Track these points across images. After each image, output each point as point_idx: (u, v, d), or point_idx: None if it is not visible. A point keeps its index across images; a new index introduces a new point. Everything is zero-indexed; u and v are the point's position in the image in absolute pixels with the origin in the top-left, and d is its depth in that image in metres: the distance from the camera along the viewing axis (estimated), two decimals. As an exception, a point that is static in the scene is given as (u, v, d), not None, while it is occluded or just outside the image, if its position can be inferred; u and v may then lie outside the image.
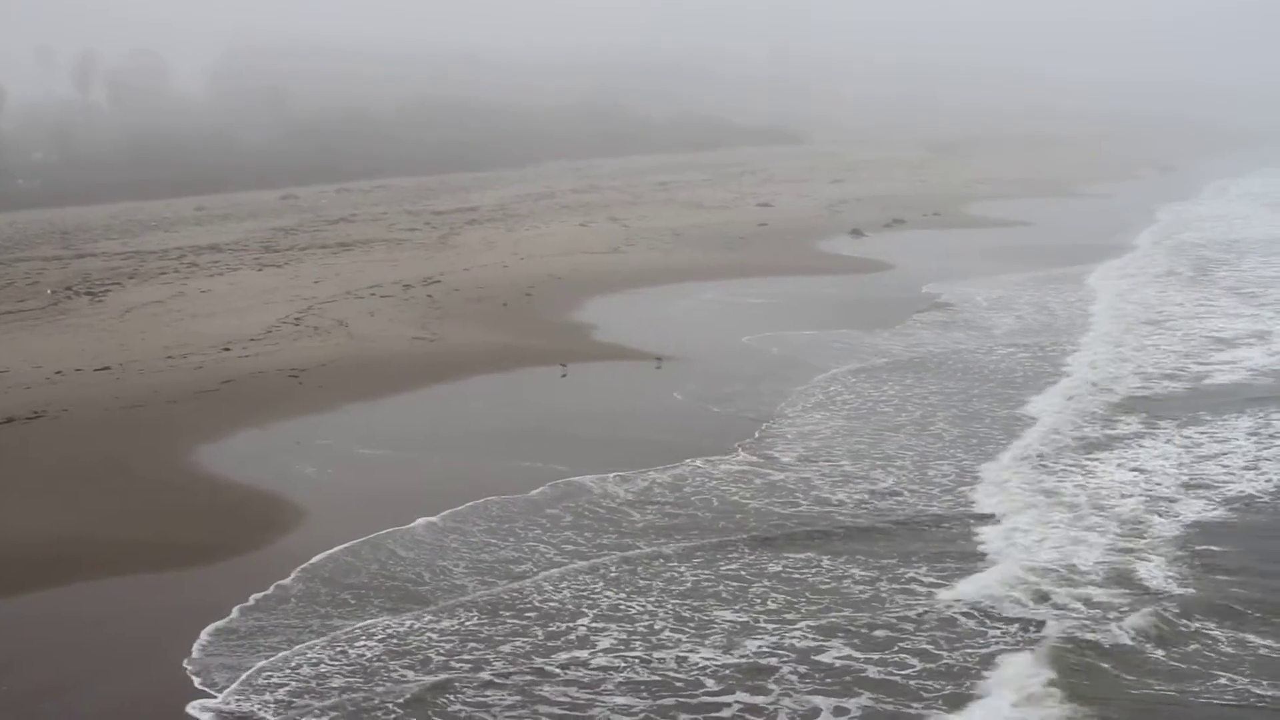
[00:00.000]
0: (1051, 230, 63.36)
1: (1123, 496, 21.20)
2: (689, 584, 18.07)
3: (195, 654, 16.16)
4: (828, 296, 43.39)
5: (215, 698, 15.04)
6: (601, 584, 18.12)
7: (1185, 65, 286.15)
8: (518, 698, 14.94)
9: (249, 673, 15.57)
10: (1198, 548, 18.97)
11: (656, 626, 16.68)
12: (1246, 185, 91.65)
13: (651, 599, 17.53)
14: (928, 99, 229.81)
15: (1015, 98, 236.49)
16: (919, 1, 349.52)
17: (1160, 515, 20.19)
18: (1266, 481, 21.81)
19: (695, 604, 17.36)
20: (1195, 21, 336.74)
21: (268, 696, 15.03)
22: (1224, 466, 22.68)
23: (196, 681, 15.43)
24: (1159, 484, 21.79)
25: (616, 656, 15.87)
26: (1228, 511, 20.66)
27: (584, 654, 15.98)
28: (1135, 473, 22.54)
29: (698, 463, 23.75)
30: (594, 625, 16.77)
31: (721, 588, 17.92)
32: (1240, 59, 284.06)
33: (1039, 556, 18.60)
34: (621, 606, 17.32)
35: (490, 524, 20.63)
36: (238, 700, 14.97)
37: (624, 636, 16.41)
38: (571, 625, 16.78)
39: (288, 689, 15.20)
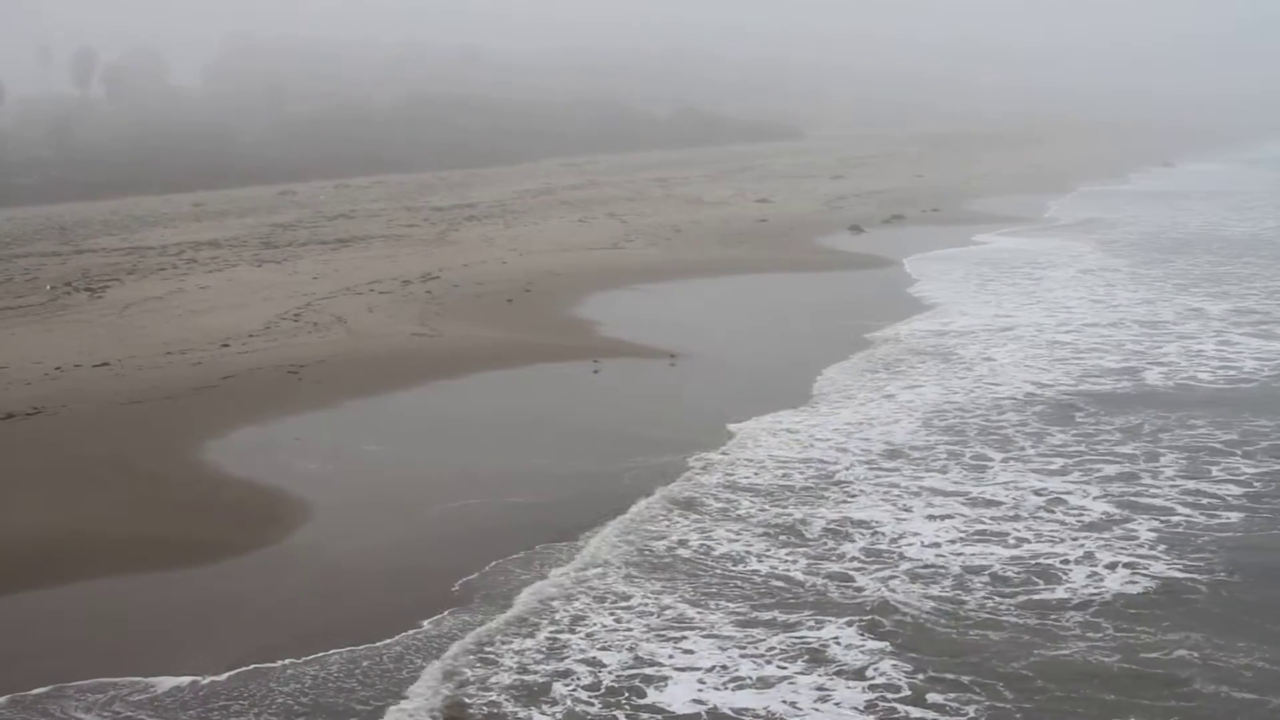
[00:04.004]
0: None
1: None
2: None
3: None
4: (829, 291, 43.36)
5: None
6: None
7: (1179, 78, 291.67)
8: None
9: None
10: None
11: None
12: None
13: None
14: (925, 102, 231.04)
15: (1012, 101, 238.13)
16: (919, 7, 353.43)
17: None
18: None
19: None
20: (1184, 40, 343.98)
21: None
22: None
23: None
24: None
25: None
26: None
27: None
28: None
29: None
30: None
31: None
32: (1226, 73, 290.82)
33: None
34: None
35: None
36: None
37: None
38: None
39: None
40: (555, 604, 17.38)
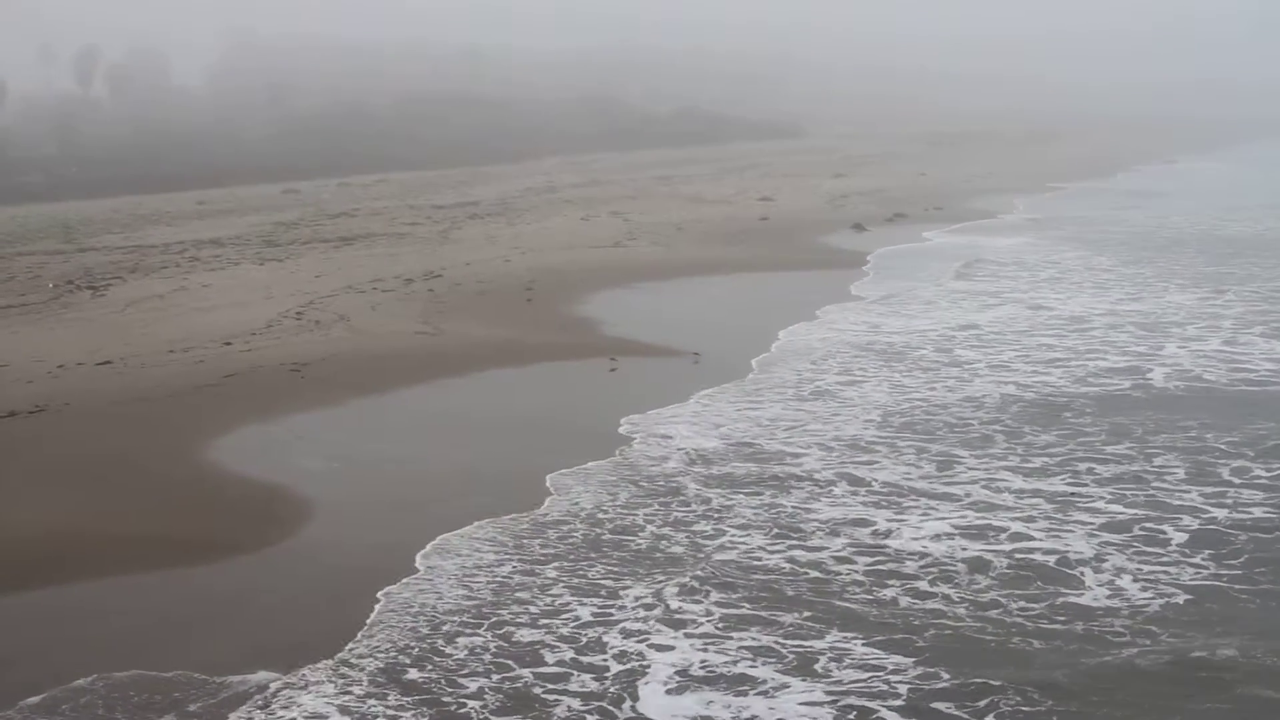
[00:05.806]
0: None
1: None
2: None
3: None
4: (831, 291, 43.32)
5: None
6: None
7: (1181, 73, 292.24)
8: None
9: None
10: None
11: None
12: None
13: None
14: (929, 98, 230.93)
15: (1016, 97, 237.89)
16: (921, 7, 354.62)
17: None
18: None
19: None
20: (1186, 32, 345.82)
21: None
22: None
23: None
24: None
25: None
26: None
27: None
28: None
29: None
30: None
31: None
32: (1228, 68, 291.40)
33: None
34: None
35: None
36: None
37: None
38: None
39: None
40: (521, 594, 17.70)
